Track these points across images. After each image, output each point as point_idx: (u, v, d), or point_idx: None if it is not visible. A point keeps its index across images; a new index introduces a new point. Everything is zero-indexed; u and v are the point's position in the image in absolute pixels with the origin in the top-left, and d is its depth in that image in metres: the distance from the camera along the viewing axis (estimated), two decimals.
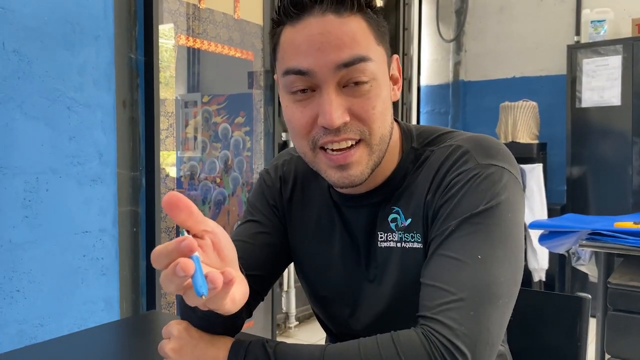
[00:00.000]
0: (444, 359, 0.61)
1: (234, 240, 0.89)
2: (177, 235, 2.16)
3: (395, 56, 0.78)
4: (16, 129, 1.55)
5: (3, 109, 1.52)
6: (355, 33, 0.68)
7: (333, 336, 0.90)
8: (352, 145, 0.70)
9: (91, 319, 1.69)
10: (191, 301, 0.52)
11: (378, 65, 0.71)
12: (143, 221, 1.98)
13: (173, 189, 2.13)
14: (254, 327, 2.49)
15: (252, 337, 0.68)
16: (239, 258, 0.85)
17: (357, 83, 0.69)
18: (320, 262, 0.85)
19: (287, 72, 0.70)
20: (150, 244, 1.99)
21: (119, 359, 0.66)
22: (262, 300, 0.88)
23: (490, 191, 0.70)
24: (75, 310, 1.71)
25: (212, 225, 0.57)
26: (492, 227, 0.68)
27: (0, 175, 1.52)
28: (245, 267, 0.84)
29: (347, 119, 0.69)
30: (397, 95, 0.77)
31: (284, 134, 2.73)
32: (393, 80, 0.77)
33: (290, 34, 0.70)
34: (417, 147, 0.79)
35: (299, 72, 0.69)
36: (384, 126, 0.72)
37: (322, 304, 0.88)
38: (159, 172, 1.99)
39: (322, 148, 0.72)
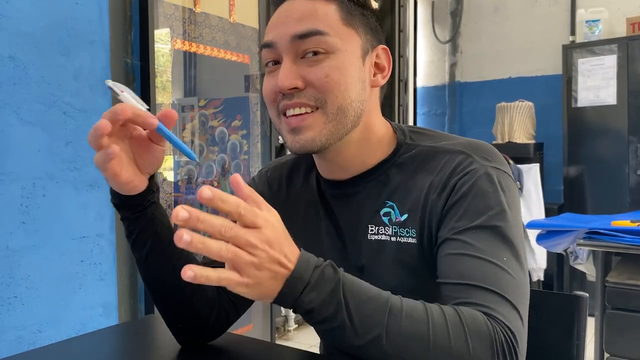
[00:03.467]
0: (504, 357, 0.61)
1: None
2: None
3: (383, 46, 0.81)
4: (12, 135, 1.55)
5: (0, 114, 1.52)
6: (318, 10, 0.75)
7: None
8: (307, 112, 0.74)
9: (89, 324, 1.68)
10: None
11: (339, 42, 0.74)
12: None
13: (170, 194, 2.13)
14: (253, 330, 2.49)
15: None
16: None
17: (314, 54, 0.74)
18: None
19: (261, 48, 0.78)
20: None
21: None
22: (247, 304, 0.88)
23: (499, 192, 0.73)
24: (73, 316, 1.71)
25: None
26: (507, 229, 0.71)
27: None
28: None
29: (300, 84, 0.73)
30: (380, 82, 0.81)
31: (280, 137, 2.74)
32: (379, 68, 0.81)
33: (272, 16, 0.79)
34: (410, 142, 0.81)
35: (266, 45, 0.76)
36: (344, 98, 0.74)
37: None
38: (155, 175, 1.98)
39: (284, 114, 0.76)
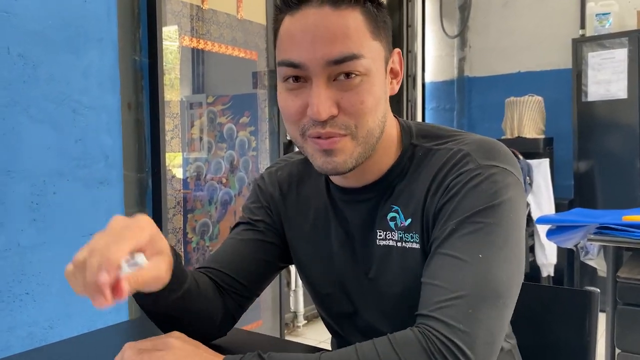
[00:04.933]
0: (442, 356, 0.60)
1: (227, 239, 0.91)
2: (185, 237, 2.17)
3: (397, 50, 0.78)
4: (22, 133, 1.56)
5: (9, 113, 1.52)
6: (349, 28, 0.69)
7: (338, 336, 0.90)
8: (338, 136, 0.71)
9: (100, 320, 1.70)
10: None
11: (371, 61, 0.71)
12: None
13: (179, 190, 2.14)
14: (262, 326, 2.50)
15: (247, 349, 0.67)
16: (229, 255, 0.88)
17: (347, 76, 0.69)
18: (319, 261, 0.85)
19: (281, 64, 0.72)
20: None
21: (114, 354, 0.66)
22: (253, 298, 0.90)
23: (491, 191, 0.70)
24: (84, 312, 1.72)
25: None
26: (494, 226, 0.68)
27: (7, 179, 1.53)
28: (234, 266, 0.86)
29: (335, 112, 0.69)
30: (395, 89, 0.78)
31: (289, 135, 2.73)
32: (393, 73, 0.77)
33: (288, 24, 0.71)
34: (416, 143, 0.79)
35: (291, 65, 0.70)
36: (373, 120, 0.72)
37: (325, 303, 0.88)
38: (165, 173, 1.99)
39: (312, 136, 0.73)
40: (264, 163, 2.53)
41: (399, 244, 0.76)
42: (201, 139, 2.23)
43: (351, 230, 0.81)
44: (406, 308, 0.75)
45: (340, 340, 0.90)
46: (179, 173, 2.15)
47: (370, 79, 0.70)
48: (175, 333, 0.69)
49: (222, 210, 2.33)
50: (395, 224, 0.77)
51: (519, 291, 0.69)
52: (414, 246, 0.75)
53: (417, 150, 0.78)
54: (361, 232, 0.80)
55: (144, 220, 0.65)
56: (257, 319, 2.49)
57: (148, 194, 1.97)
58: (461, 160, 0.73)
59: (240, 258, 0.87)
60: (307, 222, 0.86)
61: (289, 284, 3.03)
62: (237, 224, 0.92)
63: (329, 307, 0.88)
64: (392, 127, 0.79)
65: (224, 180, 2.34)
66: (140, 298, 0.72)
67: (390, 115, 0.79)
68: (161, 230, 2.00)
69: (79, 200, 1.70)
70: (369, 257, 0.80)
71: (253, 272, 0.87)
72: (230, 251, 0.88)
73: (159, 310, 0.76)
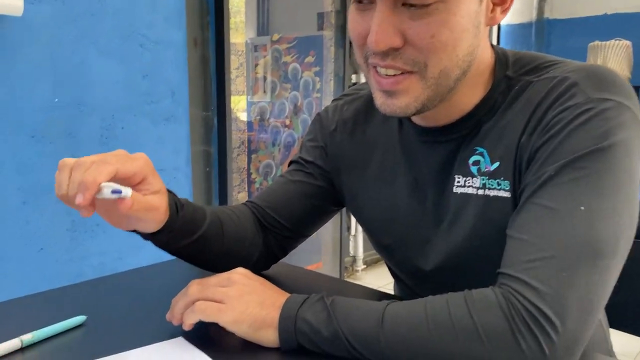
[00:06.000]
0: (526, 326, 0.52)
1: (278, 177, 0.87)
2: (249, 177, 2.17)
3: None
4: (91, 67, 1.57)
5: (78, 46, 1.53)
6: None
7: (403, 284, 0.85)
8: (402, 74, 0.62)
9: (167, 253, 1.74)
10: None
11: None
12: (215, 161, 2.00)
13: (244, 131, 2.13)
14: (322, 268, 2.51)
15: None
16: (277, 193, 0.85)
17: (418, 2, 0.58)
18: (382, 209, 0.78)
19: None
20: (223, 184, 2.01)
21: (182, 288, 0.65)
22: (299, 240, 0.87)
23: (601, 130, 0.58)
24: (152, 245, 1.76)
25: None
26: (602, 173, 0.57)
27: (78, 112, 1.55)
28: (279, 206, 0.83)
29: (398, 43, 0.60)
30: (498, 18, 0.65)
31: (354, 76, 2.65)
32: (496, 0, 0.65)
33: None
34: (511, 75, 0.68)
35: None
36: (450, 59, 0.61)
37: (387, 251, 0.82)
38: (229, 112, 1.98)
39: (374, 67, 0.64)
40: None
41: (480, 191, 0.68)
42: (265, 79, 2.19)
43: (423, 176, 0.73)
44: (483, 264, 0.68)
45: (404, 288, 0.85)
46: (243, 115, 2.13)
47: (449, 7, 0.59)
48: (240, 269, 0.66)
49: (285, 152, 2.31)
50: (479, 169, 0.68)
51: (629, 248, 0.59)
52: (500, 194, 0.66)
53: (512, 84, 0.68)
54: (435, 178, 0.72)
55: (139, 155, 0.64)
56: (318, 261, 2.51)
57: (213, 132, 1.97)
58: (567, 91, 0.61)
59: (286, 199, 0.83)
60: (372, 165, 0.79)
61: (349, 228, 3.02)
62: (291, 162, 0.88)
63: (392, 255, 0.82)
64: (485, 58, 0.68)
65: (288, 122, 2.30)
66: (155, 240, 0.70)
67: (485, 46, 0.68)
68: (225, 169, 2.01)
69: (146, 135, 1.72)
70: (442, 206, 0.72)
71: (298, 215, 0.84)
72: (278, 191, 0.85)
73: (174, 252, 0.74)
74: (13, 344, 0.60)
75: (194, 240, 0.73)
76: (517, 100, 0.66)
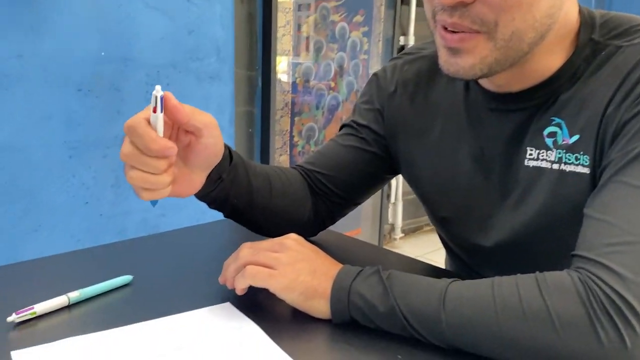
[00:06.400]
0: (606, 314, 0.47)
1: (330, 140, 0.83)
2: (291, 140, 2.14)
3: None
4: (138, 20, 1.54)
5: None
6: None
7: (459, 260, 0.80)
8: (470, 32, 0.56)
9: (209, 212, 1.73)
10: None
11: None
12: (258, 122, 1.97)
13: (288, 92, 2.08)
14: (361, 235, 2.49)
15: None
16: (327, 158, 0.81)
17: None
18: (442, 180, 0.73)
19: None
20: (265, 145, 1.99)
21: (229, 252, 0.63)
22: (349, 207, 0.83)
23: None
24: (194, 203, 1.76)
25: (200, 125, 0.59)
26: None
27: (123, 67, 1.53)
28: (331, 172, 0.79)
29: None
30: None
31: (402, 38, 2.55)
32: None
33: None
34: (598, 39, 0.61)
35: None
36: (524, 20, 0.55)
37: (443, 225, 0.77)
38: (274, 72, 1.93)
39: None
40: (375, 68, 2.40)
41: (555, 165, 0.62)
42: (311, 38, 2.12)
43: (491, 146, 0.68)
44: (552, 243, 0.63)
45: (458, 263, 0.81)
46: (287, 75, 2.09)
47: None
48: (293, 235, 0.63)
49: (328, 115, 2.27)
50: (554, 141, 0.62)
51: None
52: (577, 170, 0.61)
53: (598, 49, 0.61)
54: (504, 149, 0.66)
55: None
56: (357, 227, 2.48)
57: (257, 93, 1.93)
58: None
59: (337, 165, 0.79)
60: (433, 132, 0.74)
61: (389, 196, 2.98)
62: (343, 126, 0.83)
63: (449, 229, 0.77)
64: (570, 20, 0.62)
65: (332, 85, 2.25)
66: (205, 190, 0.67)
67: (571, 7, 0.61)
68: (268, 131, 1.98)
69: (190, 93, 1.69)
70: (510, 180, 0.66)
71: (350, 182, 0.80)
72: (329, 155, 0.80)
73: (220, 205, 0.71)
74: (60, 300, 0.59)
75: (241, 194, 0.70)
76: (603, 68, 0.60)
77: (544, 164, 0.63)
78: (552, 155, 0.62)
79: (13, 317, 0.55)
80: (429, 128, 0.74)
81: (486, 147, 0.68)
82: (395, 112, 0.77)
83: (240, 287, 0.60)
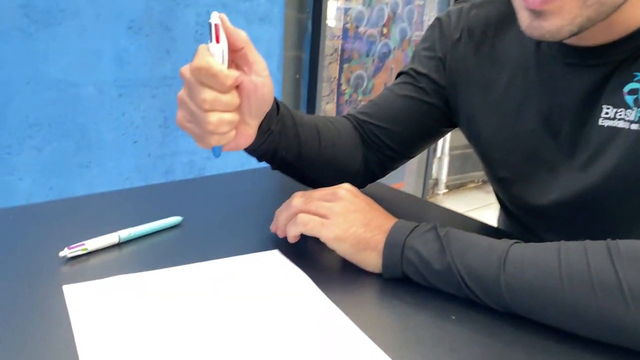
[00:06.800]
0: None
1: (384, 89, 0.78)
2: (338, 88, 2.09)
3: None
4: None
5: None
6: None
7: (516, 221, 0.76)
8: None
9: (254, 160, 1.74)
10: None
11: None
12: (306, 68, 1.93)
13: (338, 37, 2.02)
14: (404, 188, 2.45)
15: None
16: (381, 108, 0.76)
17: None
18: (504, 137, 0.68)
19: None
20: (312, 92, 1.95)
21: (278, 199, 0.61)
22: (401, 160, 0.79)
23: None
24: None
25: (253, 57, 0.55)
26: None
27: (174, 5, 1.51)
28: (385, 122, 0.76)
29: None
30: None
31: None
32: None
33: None
34: None
35: None
36: None
37: (502, 184, 0.73)
38: (325, 16, 1.87)
39: None
40: (430, 15, 2.29)
41: (634, 126, 0.56)
42: None
43: (561, 103, 0.62)
44: (621, 208, 0.58)
45: (516, 224, 0.77)
46: (338, 21, 2.01)
47: None
48: (347, 185, 0.61)
49: (378, 63, 2.19)
50: (636, 100, 0.56)
51: None
52: None
53: None
54: (577, 107, 0.61)
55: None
56: (401, 180, 2.44)
57: (306, 37, 1.88)
58: None
59: (391, 115, 0.75)
60: (498, 85, 0.68)
61: (435, 150, 2.92)
62: (400, 73, 0.78)
63: (507, 190, 0.73)
64: None
65: (384, 31, 2.16)
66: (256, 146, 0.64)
67: None
68: (316, 77, 1.93)
69: None
70: (580, 140, 0.61)
71: (405, 134, 0.76)
72: (384, 105, 0.77)
73: (269, 155, 0.68)
74: (111, 238, 0.59)
75: (290, 146, 0.68)
76: None
77: (621, 124, 0.57)
78: (632, 114, 0.57)
79: (65, 252, 0.56)
80: (494, 81, 0.69)
81: (556, 105, 0.63)
82: (459, 61, 0.72)
83: (292, 235, 0.58)
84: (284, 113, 0.66)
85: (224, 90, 0.52)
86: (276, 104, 0.65)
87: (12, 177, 1.39)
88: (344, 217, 0.57)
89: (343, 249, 0.57)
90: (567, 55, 0.61)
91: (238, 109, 0.56)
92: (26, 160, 1.40)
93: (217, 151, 0.57)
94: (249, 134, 0.59)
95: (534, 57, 0.65)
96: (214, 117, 0.52)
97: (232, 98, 0.54)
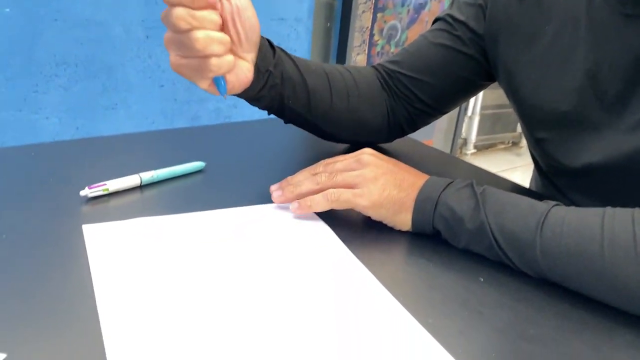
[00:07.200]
0: None
1: (418, 37, 0.74)
2: (371, 38, 2.02)
3: None
4: None
5: None
6: None
7: (552, 186, 0.72)
8: None
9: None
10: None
11: None
12: (338, 16, 1.86)
13: None
14: (433, 145, 2.41)
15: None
16: (413, 56, 0.72)
17: None
18: (545, 96, 0.63)
19: None
20: (343, 42, 1.89)
21: (303, 148, 0.59)
22: (434, 115, 0.75)
23: None
24: None
25: None
26: None
27: None
28: (416, 73, 0.71)
29: None
30: None
31: None
32: None
33: None
34: None
35: None
36: None
37: (540, 145, 0.68)
38: None
39: None
40: None
41: None
42: None
43: (612, 58, 0.57)
44: None
45: (552, 189, 0.73)
46: None
47: None
48: (367, 149, 0.58)
49: (414, 14, 2.11)
50: None
51: None
52: None
53: None
54: (630, 63, 0.56)
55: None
56: (429, 138, 2.39)
57: None
58: None
59: (424, 65, 0.71)
60: (542, 38, 0.63)
61: (465, 108, 2.84)
62: (436, 19, 0.73)
63: (544, 152, 0.68)
64: None
65: None
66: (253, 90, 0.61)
67: None
68: (347, 26, 1.87)
69: None
70: (632, 100, 0.57)
71: (438, 87, 0.72)
72: (417, 54, 0.72)
73: (276, 107, 0.66)
74: (132, 180, 0.58)
75: (297, 94, 0.64)
76: None
77: None
78: None
79: (86, 192, 0.55)
80: (538, 33, 0.64)
81: (606, 61, 0.58)
82: (501, 10, 0.67)
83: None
84: (281, 55, 0.63)
85: (195, 6, 0.48)
86: (270, 46, 0.61)
87: (38, 115, 1.39)
88: (375, 182, 0.54)
89: (380, 214, 0.54)
90: (627, 5, 0.56)
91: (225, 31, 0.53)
92: (53, 99, 1.39)
93: (222, 88, 0.54)
94: (247, 67, 0.55)
95: (585, 8, 0.60)
96: (200, 34, 0.48)
97: (209, 14, 0.49)
